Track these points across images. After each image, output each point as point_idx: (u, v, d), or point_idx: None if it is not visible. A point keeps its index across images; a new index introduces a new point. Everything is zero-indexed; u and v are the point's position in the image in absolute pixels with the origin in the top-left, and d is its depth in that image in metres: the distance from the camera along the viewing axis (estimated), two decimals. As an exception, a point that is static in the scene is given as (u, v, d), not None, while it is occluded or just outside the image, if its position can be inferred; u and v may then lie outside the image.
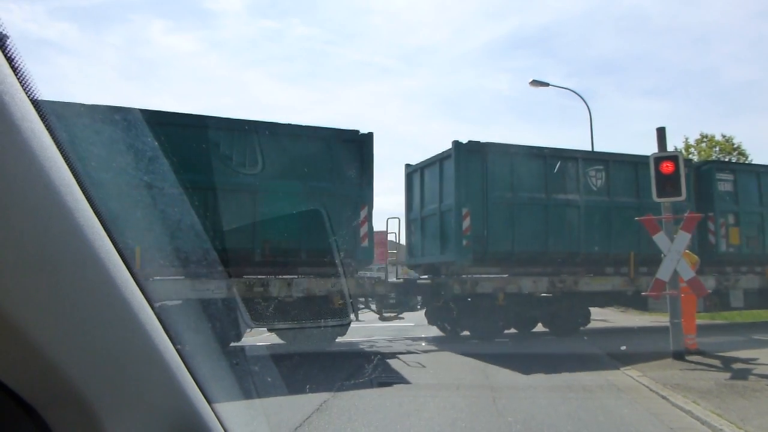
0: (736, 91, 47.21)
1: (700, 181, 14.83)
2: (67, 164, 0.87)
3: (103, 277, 0.93)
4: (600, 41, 59.60)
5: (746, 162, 14.79)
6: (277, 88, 75.14)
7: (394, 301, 13.11)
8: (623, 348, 10.26)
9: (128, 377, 1.04)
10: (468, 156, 12.68)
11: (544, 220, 13.11)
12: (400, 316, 13.40)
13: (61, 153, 0.87)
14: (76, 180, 0.89)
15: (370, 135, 11.95)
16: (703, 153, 27.88)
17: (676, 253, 9.15)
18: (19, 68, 0.80)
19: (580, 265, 13.70)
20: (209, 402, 1.33)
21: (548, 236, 13.14)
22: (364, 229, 11.52)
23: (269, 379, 6.16)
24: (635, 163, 13.74)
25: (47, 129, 0.84)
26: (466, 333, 13.43)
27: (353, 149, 11.82)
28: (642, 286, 12.83)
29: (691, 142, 28.66)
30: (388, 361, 9.78)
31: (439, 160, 13.43)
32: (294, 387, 7.04)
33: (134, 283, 1.03)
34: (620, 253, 13.54)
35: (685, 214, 9.53)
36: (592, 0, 60.84)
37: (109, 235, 0.96)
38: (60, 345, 0.85)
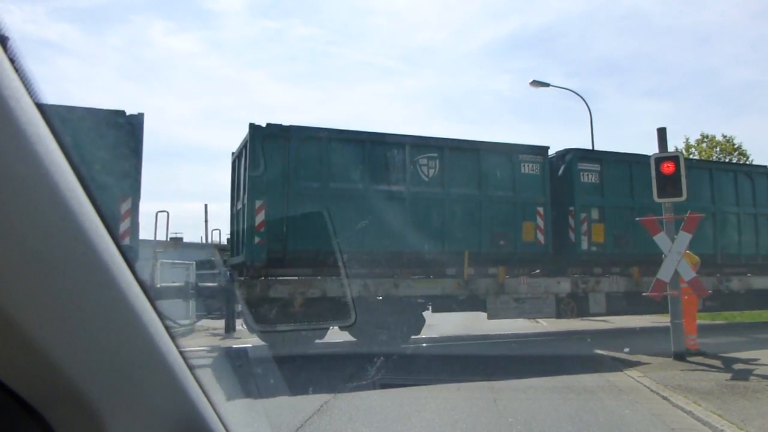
0: (737, 92, 47.31)
1: (558, 171, 13.24)
2: (72, 167, 0.88)
3: (106, 279, 0.93)
4: (601, 42, 59.67)
5: (613, 152, 13.91)
6: (278, 89, 75.24)
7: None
8: (626, 350, 10.26)
9: (131, 378, 1.05)
10: (267, 142, 10.99)
11: (361, 215, 11.19)
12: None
13: (66, 156, 0.87)
14: (81, 183, 0.89)
15: (140, 116, 10.25)
16: (703, 153, 27.91)
17: (676, 254, 9.15)
18: (22, 71, 0.80)
19: (408, 265, 11.91)
20: (211, 403, 1.33)
21: (366, 233, 11.17)
22: (125, 225, 9.92)
23: (271, 381, 6.17)
24: (476, 150, 12.23)
25: (52, 132, 0.84)
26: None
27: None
28: (479, 288, 11.95)
29: (692, 142, 28.69)
30: (386, 361, 9.77)
31: (243, 146, 11.78)
32: (295, 388, 7.04)
33: (137, 285, 1.03)
34: (458, 252, 11.79)
35: (686, 215, 9.53)
36: (593, 0, 60.90)
37: (112, 238, 0.96)
38: (63, 346, 0.85)
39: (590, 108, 22.90)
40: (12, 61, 0.79)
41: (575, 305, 13.20)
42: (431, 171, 11.86)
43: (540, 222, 12.53)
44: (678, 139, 30.27)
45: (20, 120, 0.75)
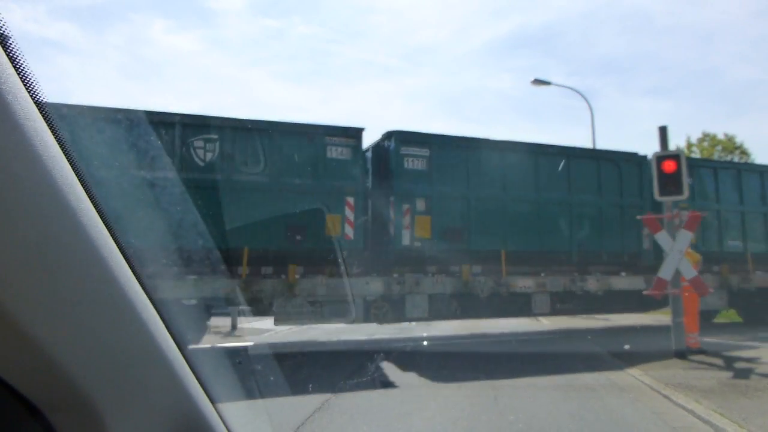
0: (739, 91, 47.20)
1: (381, 157, 11.79)
2: (70, 163, 0.88)
3: (106, 277, 0.93)
4: (603, 40, 59.59)
5: (445, 135, 12.07)
6: (279, 87, 75.19)
7: None
8: (626, 347, 10.26)
9: (131, 377, 1.04)
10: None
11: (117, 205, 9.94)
12: None
13: (64, 152, 0.87)
14: (79, 179, 0.89)
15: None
16: (705, 152, 27.87)
17: (678, 252, 9.15)
18: (21, 68, 0.80)
19: (172, 265, 10.78)
20: (212, 401, 1.33)
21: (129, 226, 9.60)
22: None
23: (271, 379, 6.17)
24: (266, 131, 10.46)
25: (50, 128, 0.84)
26: None
27: None
28: (263, 291, 10.21)
29: (693, 141, 28.66)
30: (387, 359, 9.78)
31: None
32: (296, 386, 7.05)
33: (137, 282, 1.03)
34: (236, 249, 10.15)
35: (688, 213, 9.52)
36: (594, -1, 60.77)
37: (112, 235, 0.96)
38: (63, 345, 0.85)
39: (591, 106, 22.88)
40: (12, 59, 0.79)
41: (389, 309, 11.39)
42: (209, 155, 10.18)
43: (349, 214, 10.70)
44: (680, 137, 30.21)
45: (18, 116, 0.75)
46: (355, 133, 10.98)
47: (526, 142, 12.76)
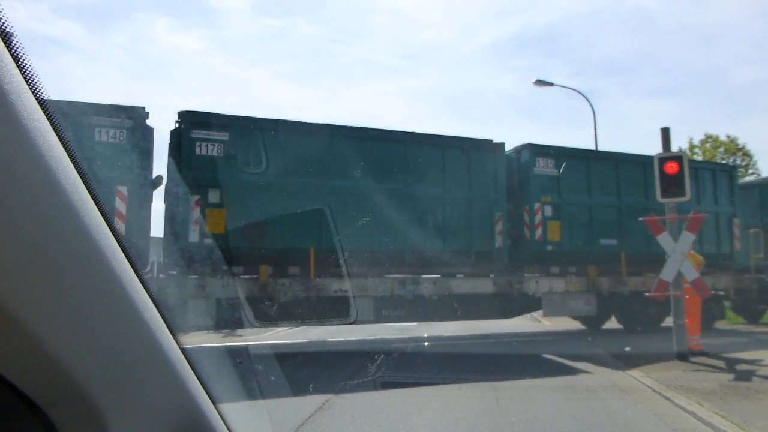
0: (741, 92, 47.04)
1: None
2: (73, 163, 0.88)
3: (107, 277, 0.93)
4: (605, 41, 59.52)
5: (244, 116, 10.35)
6: (282, 87, 75.15)
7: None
8: (626, 349, 10.24)
9: (132, 376, 1.04)
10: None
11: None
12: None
13: (67, 152, 0.87)
14: (82, 179, 0.89)
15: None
16: (707, 153, 27.82)
17: (680, 254, 9.13)
18: (24, 66, 0.80)
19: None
20: (213, 401, 1.33)
21: None
22: None
23: (272, 379, 6.17)
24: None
25: (53, 128, 0.84)
26: None
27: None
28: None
29: (696, 142, 28.61)
30: (388, 359, 9.77)
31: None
32: (297, 386, 7.05)
33: (139, 282, 1.03)
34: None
35: (690, 215, 9.50)
36: (597, 0, 60.79)
37: (114, 234, 0.96)
38: (65, 344, 0.85)
39: (594, 107, 22.87)
40: (15, 57, 0.79)
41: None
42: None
43: (121, 205, 8.95)
44: (682, 139, 30.15)
45: (21, 115, 0.75)
46: (131, 113, 9.35)
47: (340, 125, 11.13)
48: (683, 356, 9.03)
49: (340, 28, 74.51)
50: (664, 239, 9.35)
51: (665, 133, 9.71)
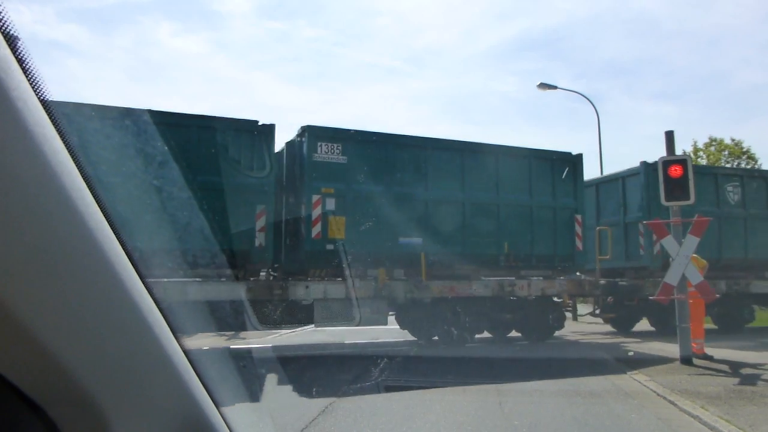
0: (745, 95, 47.01)
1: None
2: (78, 168, 0.88)
3: (112, 280, 0.93)
4: (609, 44, 59.52)
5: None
6: (283, 89, 75.32)
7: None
8: (630, 353, 10.21)
9: (136, 378, 1.05)
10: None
11: None
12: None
13: (72, 157, 0.87)
14: (87, 184, 0.90)
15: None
16: (711, 157, 27.75)
17: (684, 258, 9.10)
18: (30, 71, 0.80)
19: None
20: (216, 404, 1.33)
21: None
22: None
23: (275, 382, 6.17)
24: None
25: (58, 133, 0.84)
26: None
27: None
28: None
29: (700, 145, 28.55)
30: (391, 362, 9.76)
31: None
32: (300, 389, 7.05)
33: (143, 285, 1.03)
34: None
35: (694, 218, 9.47)
36: (600, 2, 60.81)
37: (118, 239, 0.97)
38: (69, 346, 0.86)
39: (597, 110, 22.84)
40: (20, 61, 0.79)
41: None
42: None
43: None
44: (686, 142, 30.11)
45: (27, 121, 0.76)
46: None
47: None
48: (687, 360, 9.00)
49: (342, 31, 74.71)
50: (668, 242, 9.33)
51: (669, 136, 9.69)
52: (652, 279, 13.41)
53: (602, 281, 13.98)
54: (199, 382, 1.25)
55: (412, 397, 7.21)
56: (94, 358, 0.92)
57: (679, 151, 11.73)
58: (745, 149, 27.84)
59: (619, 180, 14.94)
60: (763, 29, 45.34)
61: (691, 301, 9.32)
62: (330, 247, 10.47)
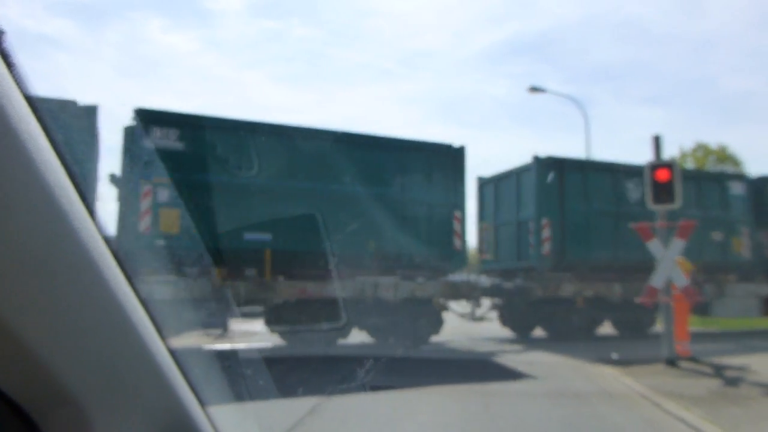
0: (732, 101, 47.65)
1: None
2: (63, 166, 0.87)
3: (96, 279, 0.92)
4: (598, 48, 59.99)
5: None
6: (276, 89, 75.17)
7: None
8: (613, 355, 10.29)
9: (120, 379, 1.04)
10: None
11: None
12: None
13: (57, 155, 0.86)
14: (72, 181, 0.88)
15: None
16: (698, 161, 28.06)
17: (669, 261, 9.18)
18: (14, 65, 0.79)
19: None
20: (201, 404, 1.32)
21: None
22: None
23: (261, 382, 6.14)
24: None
25: (43, 129, 0.83)
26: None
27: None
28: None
29: (687, 150, 28.85)
30: (378, 364, 9.75)
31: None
32: (286, 390, 7.02)
33: (128, 284, 1.02)
34: None
35: (679, 222, 9.57)
36: (591, 7, 61.28)
37: (103, 237, 0.96)
38: (52, 346, 0.85)
39: (586, 114, 22.99)
40: (5, 55, 0.78)
41: None
42: None
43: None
44: (673, 146, 30.44)
45: (11, 117, 0.75)
46: None
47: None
48: (672, 362, 9.08)
49: (335, 31, 74.64)
50: (654, 246, 9.41)
51: (657, 140, 9.78)
52: (541, 281, 13.18)
53: (486, 283, 13.81)
54: (184, 382, 1.24)
55: (399, 399, 7.21)
56: (77, 357, 0.91)
57: (666, 156, 11.83)
58: (730, 154, 28.17)
59: (514, 176, 14.24)
60: (751, 36, 45.97)
61: (675, 303, 9.40)
62: (160, 242, 9.27)
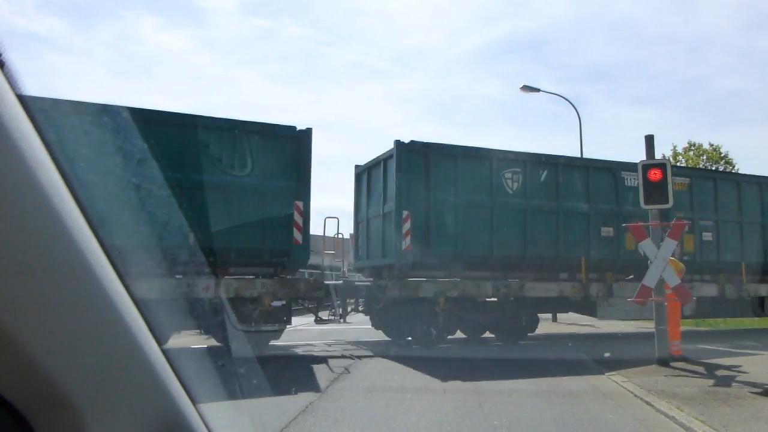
0: (725, 101, 47.92)
1: None
2: (56, 165, 0.87)
3: (89, 279, 0.92)
4: (591, 48, 60.16)
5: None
6: (269, 88, 75.03)
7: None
8: (606, 354, 10.33)
9: (113, 379, 1.04)
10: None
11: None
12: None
13: (50, 154, 0.86)
14: (64, 180, 0.88)
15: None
16: (690, 161, 28.18)
17: (662, 260, 9.23)
18: (6, 64, 0.79)
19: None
20: (194, 403, 1.32)
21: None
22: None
23: (254, 381, 6.13)
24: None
25: (35, 129, 0.83)
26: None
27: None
28: None
29: (679, 150, 28.97)
30: (372, 362, 9.77)
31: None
32: (280, 388, 7.02)
33: (120, 284, 1.02)
34: None
35: (672, 222, 9.61)
36: (584, 7, 61.43)
37: (96, 237, 0.95)
38: (43, 345, 0.84)
39: (579, 114, 23.06)
40: None
41: None
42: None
43: None
44: (666, 146, 30.57)
45: (2, 116, 0.74)
46: None
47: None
48: (664, 361, 9.12)
49: (328, 30, 74.54)
50: (646, 245, 9.45)
51: (649, 140, 9.82)
52: (397, 280, 11.72)
53: (334, 281, 12.66)
54: (177, 381, 1.24)
55: (392, 397, 7.22)
56: (69, 356, 0.91)
57: (659, 155, 11.88)
58: (723, 154, 28.31)
59: (381, 163, 12.73)
60: (743, 37, 46.22)
61: (667, 303, 9.45)
62: None
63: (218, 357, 8.23)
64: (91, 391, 0.97)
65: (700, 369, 8.98)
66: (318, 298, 11.71)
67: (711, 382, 8.01)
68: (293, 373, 8.77)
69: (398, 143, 12.00)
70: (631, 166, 13.02)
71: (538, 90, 22.06)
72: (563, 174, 13.18)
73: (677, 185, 13.02)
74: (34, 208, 0.80)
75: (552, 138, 60.25)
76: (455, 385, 8.07)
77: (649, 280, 9.33)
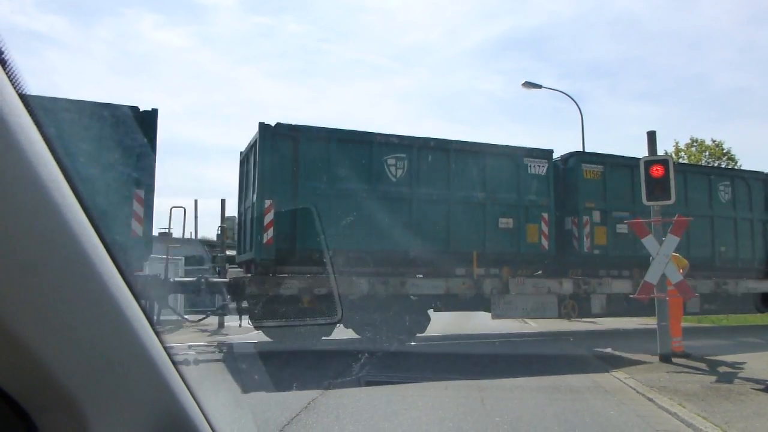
0: (726, 97, 47.78)
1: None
2: (56, 160, 0.87)
3: (90, 274, 0.92)
4: (592, 44, 60.00)
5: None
6: (269, 85, 74.98)
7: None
8: (607, 350, 10.33)
9: (115, 375, 1.04)
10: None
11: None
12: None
13: (50, 149, 0.86)
14: (64, 175, 0.88)
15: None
16: (693, 157, 28.12)
17: (664, 257, 9.22)
18: (6, 61, 0.79)
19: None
20: (196, 399, 1.32)
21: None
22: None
23: (256, 377, 6.15)
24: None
25: (35, 124, 0.83)
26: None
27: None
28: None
29: (682, 146, 28.91)
30: (374, 359, 9.78)
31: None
32: (282, 385, 7.03)
33: (121, 279, 1.02)
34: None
35: (674, 218, 9.59)
36: (584, 3, 61.24)
37: (97, 232, 0.95)
38: (46, 343, 0.84)
39: (581, 110, 23.01)
40: None
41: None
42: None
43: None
44: (668, 142, 30.49)
45: (3, 111, 0.74)
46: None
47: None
48: (666, 358, 9.13)
49: (328, 27, 74.44)
50: (649, 242, 9.44)
51: (651, 136, 9.80)
52: (259, 276, 10.73)
53: (187, 278, 11.92)
54: (179, 377, 1.24)
55: (394, 393, 7.23)
56: (71, 353, 0.91)
57: (660, 152, 11.84)
58: (725, 150, 28.25)
59: (252, 148, 11.59)
60: (744, 32, 46.05)
61: (670, 299, 9.44)
62: None
63: (222, 354, 8.23)
64: (94, 387, 0.97)
65: (703, 365, 8.98)
66: (155, 299, 9.85)
67: (713, 378, 8.00)
68: (298, 368, 8.77)
69: (262, 125, 10.89)
70: (535, 152, 12.76)
71: (540, 86, 22.01)
72: (456, 160, 12.02)
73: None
74: (34, 203, 0.80)
75: (554, 134, 60.16)
76: (457, 381, 8.07)
77: (652, 276, 9.32)
